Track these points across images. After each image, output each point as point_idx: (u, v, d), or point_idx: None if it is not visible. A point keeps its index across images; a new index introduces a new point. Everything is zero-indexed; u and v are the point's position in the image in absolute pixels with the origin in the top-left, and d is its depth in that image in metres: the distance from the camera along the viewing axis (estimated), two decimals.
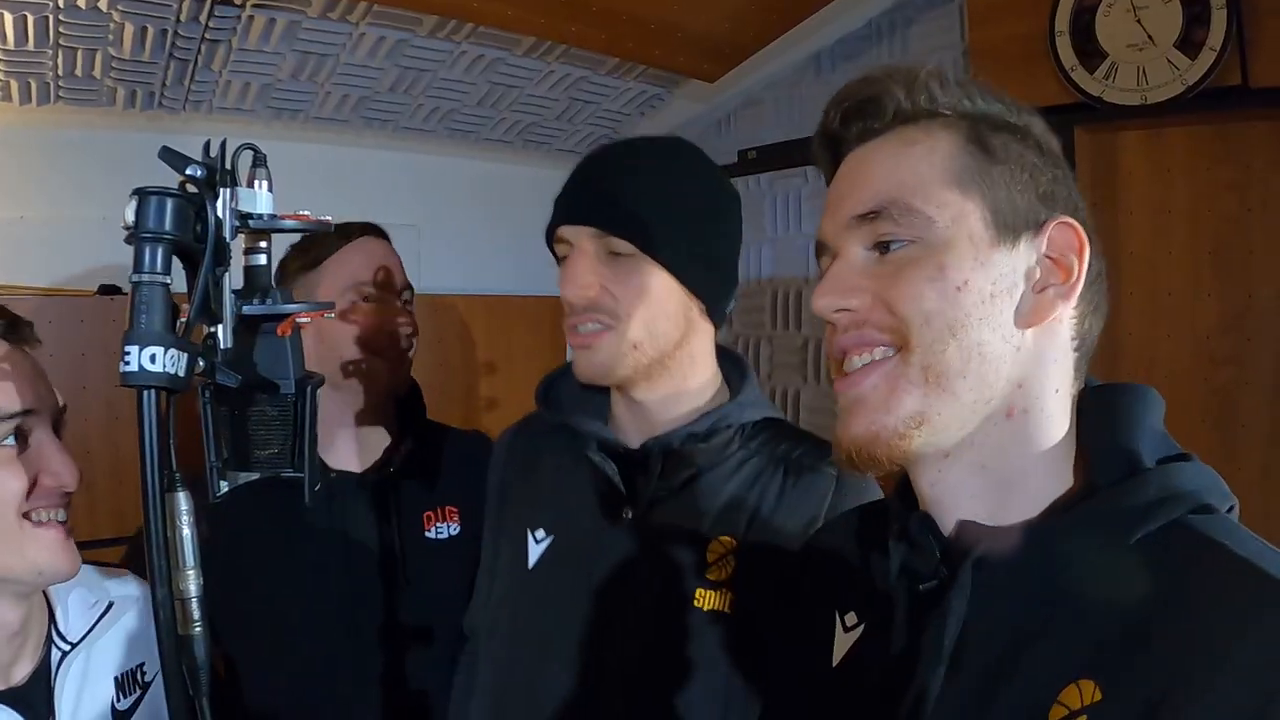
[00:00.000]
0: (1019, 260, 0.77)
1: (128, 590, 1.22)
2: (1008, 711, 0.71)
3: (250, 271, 0.81)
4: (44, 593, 1.11)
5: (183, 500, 0.69)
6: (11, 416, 1.00)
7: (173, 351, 0.66)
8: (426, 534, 1.58)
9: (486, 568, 1.38)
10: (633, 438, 1.23)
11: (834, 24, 2.38)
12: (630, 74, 2.42)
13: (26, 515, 1.00)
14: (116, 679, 1.16)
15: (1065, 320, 0.79)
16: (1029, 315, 0.76)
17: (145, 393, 0.65)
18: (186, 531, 0.68)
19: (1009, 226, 0.77)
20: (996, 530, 0.77)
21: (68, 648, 1.11)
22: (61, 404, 1.07)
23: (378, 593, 1.51)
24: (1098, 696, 0.66)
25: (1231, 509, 0.75)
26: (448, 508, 1.61)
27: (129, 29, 1.76)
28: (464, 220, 2.81)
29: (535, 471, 1.33)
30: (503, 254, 2.85)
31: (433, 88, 2.29)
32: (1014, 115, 0.82)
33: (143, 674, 1.19)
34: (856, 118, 0.84)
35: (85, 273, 2.16)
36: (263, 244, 0.80)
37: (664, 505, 1.17)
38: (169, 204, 0.66)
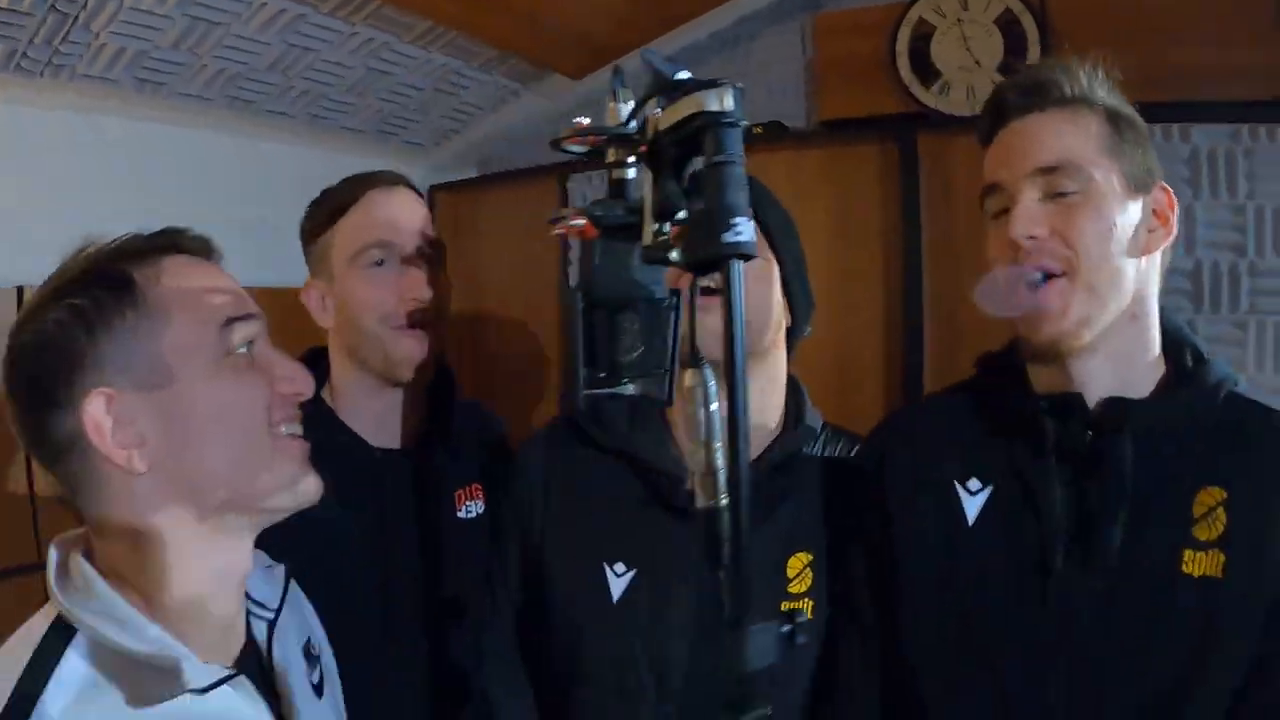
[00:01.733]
0: (1141, 209, 1.09)
1: (268, 558, 1.10)
2: (1162, 514, 1.03)
3: (620, 184, 0.83)
4: None
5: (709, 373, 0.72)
6: (246, 318, 0.92)
7: None
8: (458, 513, 1.53)
9: (511, 585, 1.42)
10: None
11: (678, 34, 2.54)
12: (498, 67, 2.46)
13: (272, 427, 0.92)
14: (302, 650, 1.06)
15: (1160, 254, 1.12)
16: (1144, 247, 1.09)
17: (736, 263, 0.66)
18: (715, 405, 0.71)
19: (1135, 186, 1.08)
20: (1140, 401, 1.08)
21: (271, 615, 1.01)
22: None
23: (415, 572, 1.46)
24: (1223, 495, 1.02)
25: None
26: (474, 485, 1.56)
27: None
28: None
29: (591, 500, 1.37)
30: None
31: (311, 69, 2.17)
32: (1126, 109, 1.13)
33: (313, 647, 1.09)
34: (1027, 95, 1.12)
35: None
36: (631, 157, 0.82)
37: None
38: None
